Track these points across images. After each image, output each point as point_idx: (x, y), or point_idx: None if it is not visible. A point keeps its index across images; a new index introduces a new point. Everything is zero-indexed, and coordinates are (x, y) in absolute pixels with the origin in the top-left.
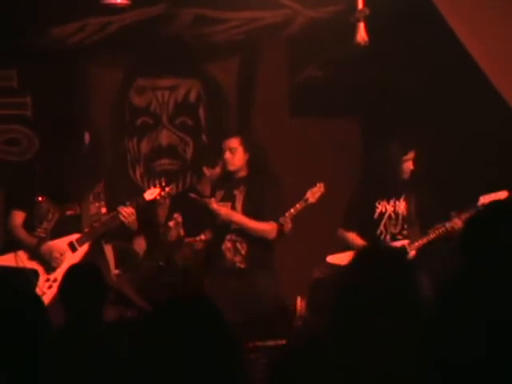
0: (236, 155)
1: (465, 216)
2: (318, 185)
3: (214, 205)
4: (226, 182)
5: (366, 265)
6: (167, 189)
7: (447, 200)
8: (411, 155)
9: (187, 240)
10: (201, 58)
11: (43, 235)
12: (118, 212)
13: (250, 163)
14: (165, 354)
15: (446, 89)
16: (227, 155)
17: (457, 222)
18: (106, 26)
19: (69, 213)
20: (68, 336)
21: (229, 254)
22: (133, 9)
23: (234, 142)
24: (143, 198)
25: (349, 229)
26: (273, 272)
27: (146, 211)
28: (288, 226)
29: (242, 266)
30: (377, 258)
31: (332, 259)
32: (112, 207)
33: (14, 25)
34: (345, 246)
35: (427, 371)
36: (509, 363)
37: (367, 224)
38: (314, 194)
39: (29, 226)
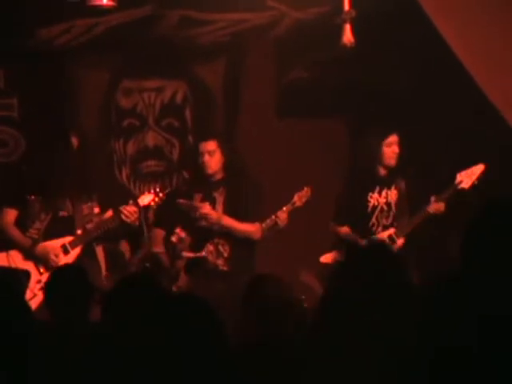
0: (214, 158)
1: (445, 197)
2: (306, 189)
3: (207, 209)
4: (204, 185)
5: (354, 264)
6: (161, 195)
7: (433, 185)
8: (393, 138)
9: (187, 255)
10: (187, 59)
11: (36, 236)
12: (120, 211)
13: (227, 166)
14: (153, 352)
15: (431, 88)
16: (205, 158)
17: (439, 204)
18: (92, 27)
19: (61, 214)
20: (54, 336)
21: (211, 257)
22: (119, 10)
23: (212, 145)
24: (137, 204)
25: (340, 223)
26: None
27: None
28: (283, 223)
29: (225, 268)
30: (364, 256)
31: (325, 259)
32: (105, 208)
33: (0, 26)
34: (336, 241)
35: (420, 365)
36: (502, 358)
37: (360, 217)
38: (300, 197)
39: (21, 224)
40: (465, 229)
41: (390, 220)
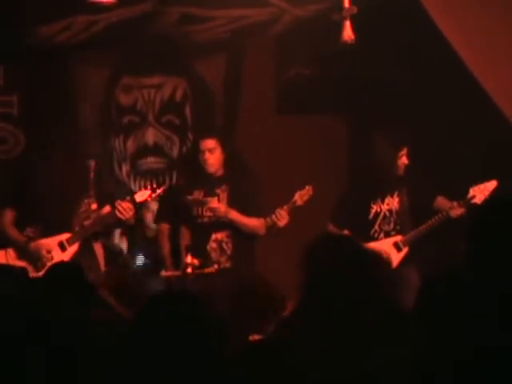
0: (214, 155)
1: (463, 204)
2: (307, 187)
3: (215, 203)
4: (205, 182)
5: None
6: (158, 190)
7: (437, 193)
8: (405, 151)
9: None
10: (187, 56)
11: (32, 235)
12: (115, 207)
13: (227, 163)
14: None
15: (431, 84)
16: (206, 155)
17: (461, 209)
18: (92, 24)
19: (59, 211)
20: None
21: (214, 255)
22: (119, 7)
23: (212, 143)
24: (134, 200)
25: (340, 227)
26: (257, 271)
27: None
28: (282, 223)
29: (227, 265)
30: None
31: None
32: (103, 203)
33: (0, 23)
34: None
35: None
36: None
37: (361, 224)
38: (302, 196)
39: (19, 224)
40: (469, 227)
41: (391, 225)
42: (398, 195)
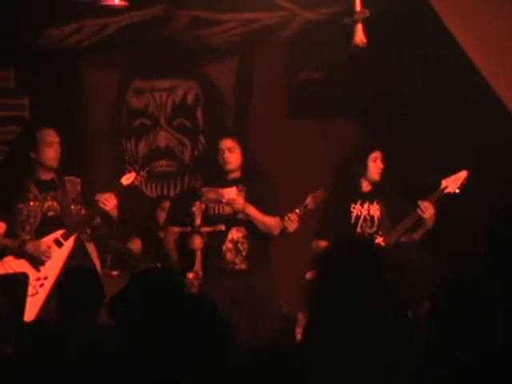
0: (234, 154)
1: (431, 199)
2: (319, 190)
3: (234, 194)
4: (220, 183)
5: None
6: (142, 173)
7: (414, 198)
8: (377, 154)
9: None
10: (198, 59)
11: (28, 237)
12: (97, 200)
13: (244, 164)
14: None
15: (441, 86)
16: (226, 154)
17: (426, 206)
18: (103, 27)
19: (50, 214)
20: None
21: (229, 255)
22: (130, 10)
23: (231, 142)
24: (121, 184)
25: (322, 238)
26: (272, 273)
27: (144, 212)
28: (292, 228)
29: (243, 266)
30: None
31: (311, 275)
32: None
33: (11, 26)
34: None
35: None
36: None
37: (345, 228)
38: (314, 199)
39: (11, 234)
40: (487, 230)
41: (374, 228)
42: (377, 203)
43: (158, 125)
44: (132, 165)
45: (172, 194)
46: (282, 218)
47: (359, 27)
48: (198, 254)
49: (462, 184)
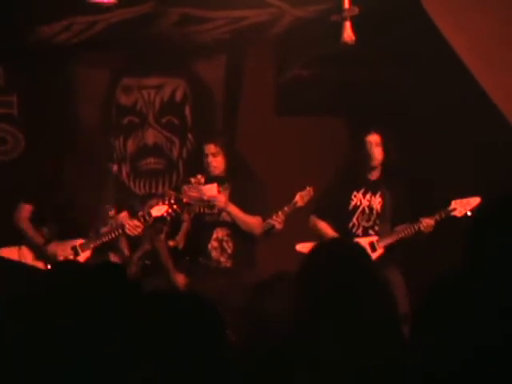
0: (217, 159)
1: (436, 217)
2: (308, 188)
3: (215, 191)
4: (206, 182)
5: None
6: (175, 206)
7: (419, 200)
8: (375, 137)
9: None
10: (187, 56)
11: (48, 235)
12: (123, 225)
13: (229, 166)
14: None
15: (431, 85)
16: (210, 159)
17: (427, 222)
18: (92, 24)
19: (76, 214)
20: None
21: (215, 254)
22: (119, 8)
23: (213, 148)
24: (150, 214)
25: (322, 217)
26: (257, 271)
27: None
28: (280, 226)
29: (228, 265)
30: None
31: (301, 248)
32: (120, 209)
33: (0, 23)
34: (315, 234)
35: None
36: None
37: (341, 215)
38: (302, 197)
39: (36, 220)
40: (472, 226)
41: (370, 223)
42: (380, 196)
43: (147, 122)
44: (165, 196)
45: (160, 191)
46: (270, 217)
47: (348, 25)
48: None
49: (471, 210)
